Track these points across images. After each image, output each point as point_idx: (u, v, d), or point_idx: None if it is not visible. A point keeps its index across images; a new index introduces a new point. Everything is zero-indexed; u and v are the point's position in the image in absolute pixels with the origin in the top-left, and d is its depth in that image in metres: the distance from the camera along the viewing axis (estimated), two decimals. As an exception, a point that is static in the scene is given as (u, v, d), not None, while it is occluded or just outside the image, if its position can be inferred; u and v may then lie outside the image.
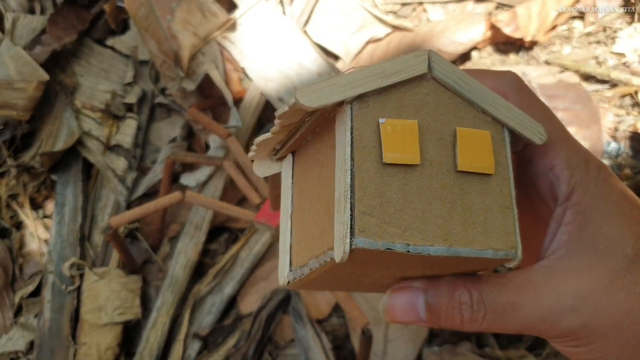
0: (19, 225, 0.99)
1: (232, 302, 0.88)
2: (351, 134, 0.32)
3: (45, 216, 0.99)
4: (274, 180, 0.70)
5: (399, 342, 0.82)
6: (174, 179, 0.93)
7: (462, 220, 0.32)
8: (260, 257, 0.89)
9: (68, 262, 0.85)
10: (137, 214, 0.77)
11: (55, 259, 0.89)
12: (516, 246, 0.32)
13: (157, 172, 0.96)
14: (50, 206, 1.00)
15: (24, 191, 0.98)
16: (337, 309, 0.86)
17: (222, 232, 0.96)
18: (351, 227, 0.30)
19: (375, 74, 0.32)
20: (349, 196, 0.30)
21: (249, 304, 0.87)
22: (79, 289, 0.86)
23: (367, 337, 0.67)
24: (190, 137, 1.01)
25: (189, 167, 0.99)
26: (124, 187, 0.94)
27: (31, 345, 0.89)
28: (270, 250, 0.91)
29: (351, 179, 0.31)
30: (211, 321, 0.83)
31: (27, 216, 0.97)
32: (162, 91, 1.03)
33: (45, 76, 0.93)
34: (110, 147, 0.98)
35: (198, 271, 0.89)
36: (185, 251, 0.87)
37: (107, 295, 0.82)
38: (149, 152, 1.02)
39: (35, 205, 1.00)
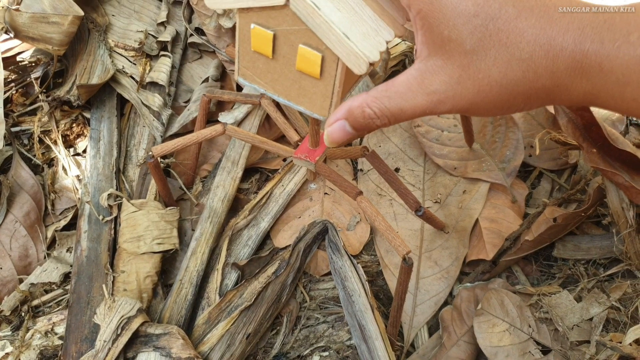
0: (50, 162, 0.99)
1: (265, 238, 0.89)
2: (238, 27, 0.55)
3: (77, 154, 1.00)
4: (315, 119, 0.71)
5: (431, 279, 0.83)
6: (207, 118, 0.93)
7: (298, 91, 0.57)
8: (292, 196, 0.91)
9: (106, 193, 0.86)
10: (180, 144, 0.77)
11: (91, 191, 0.89)
12: (326, 114, 0.56)
13: (191, 111, 0.96)
14: (81, 144, 1.00)
15: (56, 128, 0.99)
16: (367, 247, 0.88)
17: (253, 173, 0.97)
18: (238, 71, 0.59)
19: None
20: (237, 58, 0.58)
21: (282, 239, 0.88)
22: (115, 220, 0.87)
23: (408, 265, 0.68)
24: (222, 79, 1.02)
25: (221, 108, 0.99)
26: (159, 123, 0.94)
27: (64, 278, 0.90)
28: (302, 190, 0.92)
29: (237, 49, 0.57)
30: (248, 253, 0.84)
31: (59, 152, 0.98)
32: (196, 31, 1.03)
33: (79, 11, 0.93)
34: (144, 85, 0.98)
35: (232, 207, 0.90)
36: (223, 185, 0.88)
37: (146, 225, 0.82)
38: (181, 91, 1.03)
39: (67, 144, 1.00)
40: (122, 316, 0.71)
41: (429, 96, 0.43)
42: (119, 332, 0.70)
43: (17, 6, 0.94)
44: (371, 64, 0.51)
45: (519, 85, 0.42)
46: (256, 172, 0.97)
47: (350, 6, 0.54)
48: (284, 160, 0.96)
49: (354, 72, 0.53)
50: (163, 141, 0.95)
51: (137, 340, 0.72)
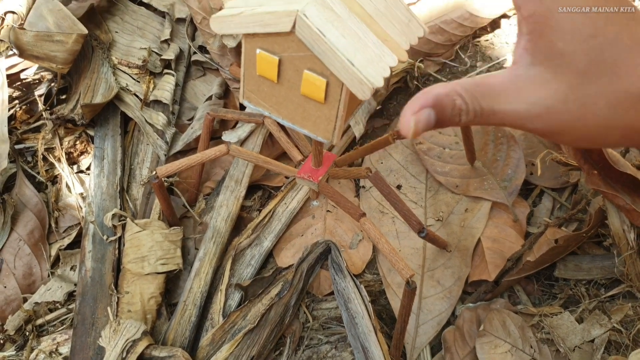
0: (54, 179, 1.00)
1: (268, 256, 0.89)
2: (244, 52, 0.57)
3: (80, 171, 1.00)
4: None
5: (434, 299, 0.84)
6: (211, 136, 0.94)
7: (302, 115, 0.59)
8: (295, 214, 0.91)
9: (110, 213, 0.86)
10: (184, 165, 0.78)
11: (95, 211, 0.90)
12: (330, 138, 0.59)
13: (195, 129, 0.97)
14: (85, 162, 1.01)
15: (60, 145, 0.99)
16: (370, 265, 0.88)
17: (256, 190, 0.97)
18: (243, 94, 0.61)
19: (258, 21, 0.53)
20: (242, 81, 0.60)
21: (285, 258, 0.88)
22: (120, 240, 0.87)
23: (411, 289, 0.69)
24: (226, 96, 1.02)
25: (225, 126, 1.00)
26: (163, 142, 0.95)
27: (68, 296, 0.90)
28: (304, 207, 0.93)
29: (243, 72, 0.59)
30: (251, 273, 0.85)
31: (63, 170, 0.98)
32: (199, 49, 1.04)
33: (84, 30, 0.94)
34: (148, 103, 0.99)
35: (235, 225, 0.91)
36: (227, 204, 0.88)
37: (150, 245, 0.83)
38: (185, 109, 1.03)
39: (71, 160, 1.00)
40: (127, 339, 0.72)
41: (528, 106, 0.40)
42: (124, 356, 0.71)
43: (22, 23, 0.95)
44: (375, 90, 0.52)
45: (620, 119, 0.39)
46: (259, 189, 0.97)
47: (355, 32, 0.54)
48: (287, 177, 0.96)
49: (358, 97, 0.53)
50: (167, 159, 0.95)
51: (142, 363, 0.72)
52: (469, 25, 1.05)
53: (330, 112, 0.58)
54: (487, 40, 1.10)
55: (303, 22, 0.51)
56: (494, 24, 1.11)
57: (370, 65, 0.54)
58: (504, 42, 1.09)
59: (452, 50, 1.08)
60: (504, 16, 1.10)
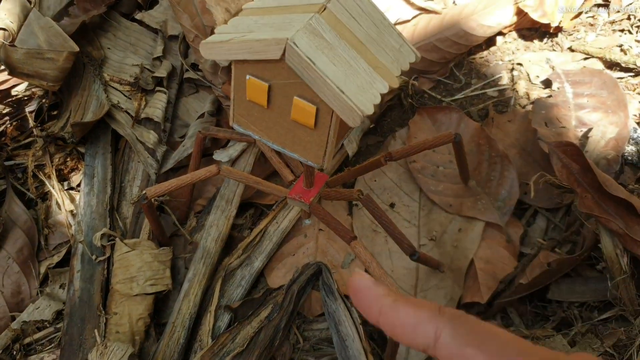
0: (44, 196, 0.99)
1: (259, 275, 0.89)
2: (234, 77, 0.57)
3: (71, 188, 1.00)
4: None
5: (425, 320, 0.83)
6: (202, 154, 0.93)
7: (293, 139, 0.59)
8: (286, 233, 0.90)
9: (99, 233, 0.86)
10: (173, 185, 0.77)
11: (84, 229, 0.89)
12: (321, 163, 0.59)
13: (186, 147, 0.96)
14: (75, 178, 1.00)
15: (50, 162, 0.98)
16: (362, 286, 0.87)
17: (247, 208, 0.96)
18: (233, 118, 0.62)
19: (247, 49, 0.53)
20: (232, 105, 0.60)
21: (276, 278, 0.88)
22: (109, 260, 0.86)
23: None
24: (218, 114, 1.02)
25: (216, 143, 0.99)
26: (154, 160, 0.94)
27: (57, 315, 0.89)
28: (296, 227, 0.92)
29: (232, 97, 0.59)
30: (241, 294, 0.84)
31: (53, 187, 0.97)
32: (192, 66, 1.03)
33: (75, 47, 0.93)
34: (139, 121, 0.98)
35: (225, 245, 0.90)
36: (217, 224, 0.88)
37: (139, 266, 0.82)
38: (177, 126, 1.02)
39: (61, 177, 1.00)
40: (114, 363, 0.71)
41: None
42: (110, 380, 0.70)
43: (13, 40, 0.94)
44: (364, 117, 0.52)
45: None
46: (251, 207, 0.97)
47: (345, 59, 0.54)
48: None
49: (349, 124, 0.53)
50: (157, 178, 0.95)
51: (129, 387, 0.71)
52: (463, 43, 1.05)
53: (321, 137, 0.58)
54: (481, 57, 1.10)
55: (293, 50, 0.51)
56: (489, 42, 1.10)
57: (361, 92, 0.53)
58: (499, 59, 1.09)
59: (447, 67, 1.07)
60: (500, 33, 1.10)
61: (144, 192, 0.77)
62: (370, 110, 0.53)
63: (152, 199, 0.79)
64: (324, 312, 0.83)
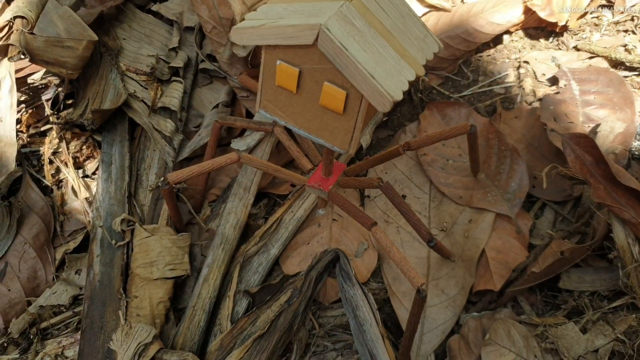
0: (59, 183, 1.00)
1: (274, 265, 0.90)
2: (263, 62, 0.58)
3: (86, 176, 1.00)
4: (329, 149, 0.73)
5: (438, 308, 0.85)
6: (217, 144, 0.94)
7: (319, 125, 0.60)
8: (302, 222, 0.92)
9: (119, 218, 0.87)
10: (195, 171, 0.78)
11: (103, 215, 0.90)
12: (347, 148, 0.61)
13: (202, 136, 0.97)
14: (90, 166, 1.01)
15: (66, 149, 0.99)
16: (374, 274, 0.89)
17: (262, 198, 0.98)
18: (259, 103, 0.63)
19: (280, 34, 0.54)
20: (260, 90, 0.62)
21: (291, 266, 0.89)
22: (128, 244, 0.88)
23: (422, 297, 0.70)
24: (233, 104, 1.03)
25: (230, 134, 1.01)
26: (171, 148, 0.95)
27: (74, 300, 0.90)
28: (310, 216, 0.94)
29: (261, 82, 0.61)
30: (258, 280, 0.85)
31: (69, 174, 0.98)
32: (207, 57, 1.04)
33: (94, 36, 0.94)
34: (155, 110, 0.99)
35: (242, 233, 0.91)
36: (235, 211, 0.89)
37: (159, 251, 0.83)
38: (191, 116, 1.04)
39: (76, 165, 1.01)
40: (140, 343, 0.72)
41: None
42: (136, 359, 0.71)
43: (31, 28, 0.95)
44: (394, 102, 0.54)
45: None
46: (265, 197, 0.98)
47: (375, 47, 0.56)
48: (293, 185, 0.97)
49: (378, 110, 0.55)
50: (174, 166, 0.96)
51: (153, 367, 0.73)
52: (472, 40, 1.07)
53: (349, 123, 0.59)
54: (489, 55, 1.12)
55: (326, 35, 0.52)
56: (496, 40, 1.13)
57: (390, 78, 0.55)
58: (506, 57, 1.11)
59: (456, 64, 1.10)
60: (506, 32, 1.12)
61: (165, 177, 0.78)
62: (399, 97, 0.55)
63: (172, 185, 0.80)
64: (339, 298, 0.85)
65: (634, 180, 0.76)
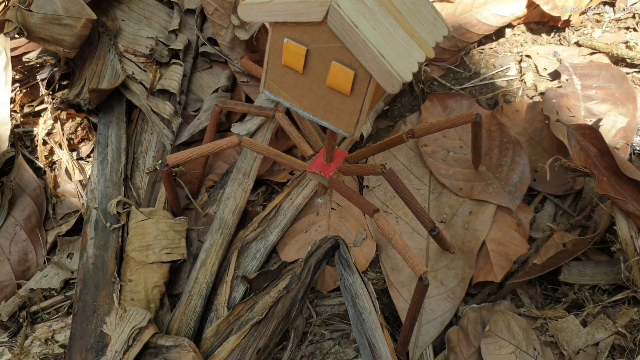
0: (52, 165, 0.98)
1: (271, 251, 0.89)
2: (270, 40, 0.57)
3: (80, 158, 0.98)
4: (332, 133, 0.71)
5: (437, 299, 0.84)
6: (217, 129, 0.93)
7: (325, 107, 0.59)
8: (300, 210, 0.91)
9: (114, 200, 0.85)
10: (195, 153, 0.77)
11: (98, 198, 0.88)
12: (352, 131, 0.59)
13: (201, 120, 0.96)
14: (85, 149, 0.99)
15: (61, 131, 0.97)
16: (372, 264, 0.88)
17: (260, 185, 0.96)
18: (264, 84, 0.61)
19: (289, 10, 0.53)
20: (265, 70, 0.60)
21: (289, 253, 0.88)
22: (123, 227, 0.86)
23: (424, 285, 0.69)
24: (233, 89, 1.01)
25: (229, 119, 0.99)
26: (169, 131, 0.94)
27: (65, 284, 0.88)
28: (309, 204, 0.92)
29: (266, 62, 0.59)
30: (256, 266, 0.84)
31: (63, 156, 0.96)
32: (208, 40, 1.03)
33: (92, 15, 0.92)
34: (153, 93, 0.97)
35: (240, 219, 0.90)
36: (234, 196, 0.88)
37: (155, 234, 0.82)
38: (190, 100, 1.02)
39: (71, 147, 0.99)
40: (134, 327, 0.70)
41: None
42: (130, 343, 0.69)
43: (29, 5, 0.93)
44: (403, 84, 0.52)
45: None
46: (263, 184, 0.97)
47: (385, 26, 0.54)
48: (291, 173, 0.96)
49: (387, 91, 0.53)
50: (172, 150, 0.94)
51: (147, 351, 0.71)
52: (475, 31, 1.06)
53: (355, 105, 0.58)
54: (491, 48, 1.11)
55: (336, 12, 0.51)
56: (498, 33, 1.12)
57: (400, 59, 0.54)
58: (508, 51, 1.11)
59: (458, 56, 1.09)
60: (509, 25, 1.12)
61: (164, 159, 0.77)
62: (408, 78, 0.54)
63: (171, 168, 0.78)
64: (338, 286, 0.83)
65: (639, 172, 0.75)
